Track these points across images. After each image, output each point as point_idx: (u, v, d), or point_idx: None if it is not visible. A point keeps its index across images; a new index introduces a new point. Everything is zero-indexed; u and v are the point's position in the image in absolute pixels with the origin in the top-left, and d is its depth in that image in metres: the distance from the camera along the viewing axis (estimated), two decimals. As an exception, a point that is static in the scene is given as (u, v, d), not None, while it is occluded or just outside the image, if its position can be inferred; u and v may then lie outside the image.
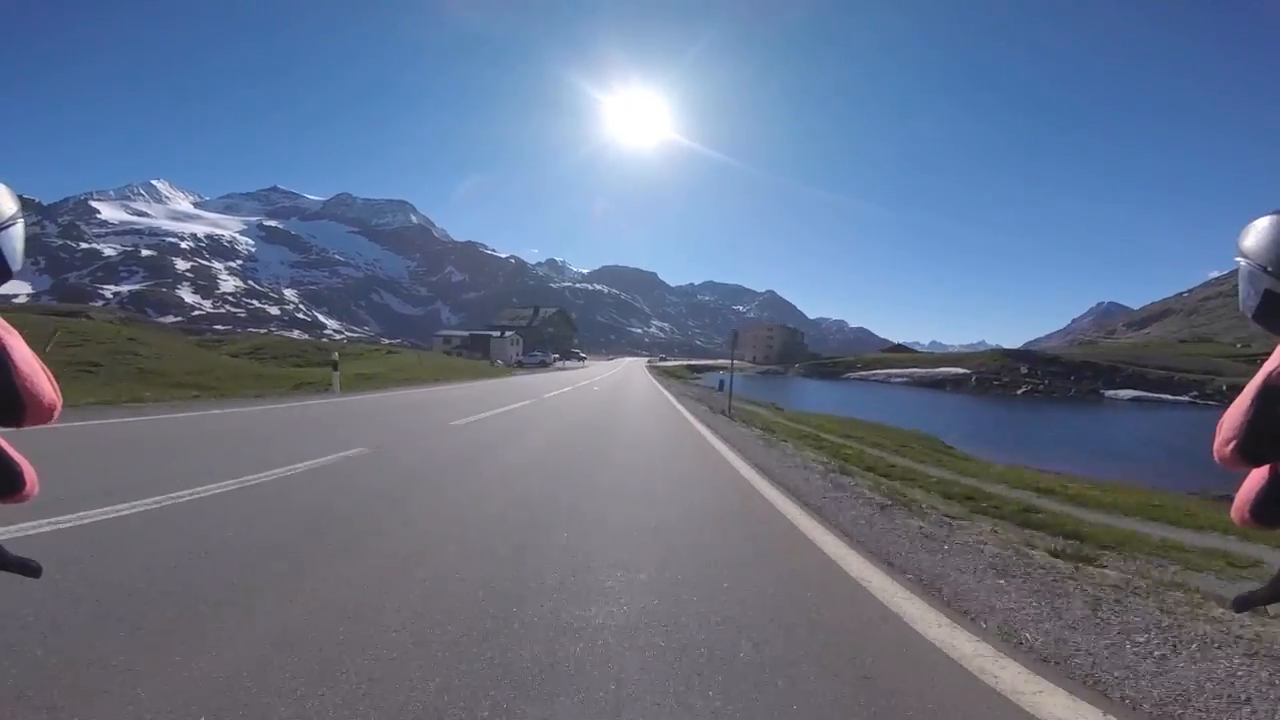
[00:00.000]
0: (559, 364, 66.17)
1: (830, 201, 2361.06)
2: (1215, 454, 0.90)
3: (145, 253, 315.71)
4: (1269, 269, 0.85)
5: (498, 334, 79.51)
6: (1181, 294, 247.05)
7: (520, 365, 58.53)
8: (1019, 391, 66.91)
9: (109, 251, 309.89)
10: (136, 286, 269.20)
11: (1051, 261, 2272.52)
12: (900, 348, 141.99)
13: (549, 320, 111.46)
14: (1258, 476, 0.91)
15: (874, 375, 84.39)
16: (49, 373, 0.91)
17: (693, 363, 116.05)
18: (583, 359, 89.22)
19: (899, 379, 78.98)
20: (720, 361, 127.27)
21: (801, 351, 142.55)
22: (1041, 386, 68.70)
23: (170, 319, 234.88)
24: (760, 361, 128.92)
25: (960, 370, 77.41)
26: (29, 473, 0.94)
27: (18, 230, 0.89)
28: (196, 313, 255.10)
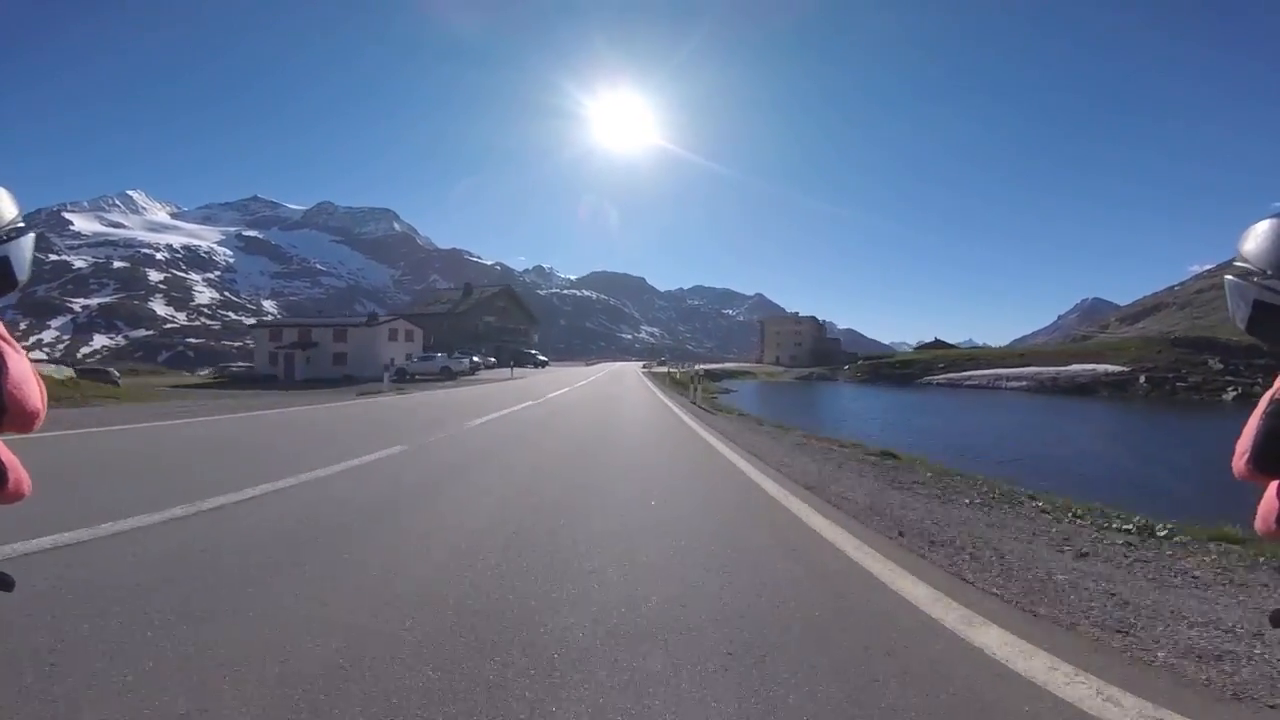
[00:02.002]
0: (481, 372, 43.62)
1: (815, 204, 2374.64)
2: (1232, 467, 0.92)
3: (117, 264, 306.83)
4: (1269, 272, 0.86)
5: (359, 322, 48.23)
6: (1173, 287, 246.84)
7: (405, 378, 35.76)
8: (1227, 396, 46.23)
9: (79, 263, 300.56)
10: (107, 299, 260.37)
11: (1035, 260, 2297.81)
12: (940, 344, 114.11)
13: (486, 304, 72.01)
14: (1277, 489, 0.93)
15: (969, 379, 62.16)
16: (42, 386, 0.92)
17: (709, 367, 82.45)
18: (542, 363, 61.66)
19: (1014, 383, 58.28)
20: (732, 365, 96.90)
21: (836, 351, 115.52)
22: (1258, 386, 43.78)
23: (142, 332, 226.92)
24: (788, 363, 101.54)
25: (1116, 368, 56.78)
26: (14, 471, 0.91)
27: (28, 241, 0.88)
28: (169, 325, 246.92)
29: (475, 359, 46.73)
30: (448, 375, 38.20)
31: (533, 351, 65.44)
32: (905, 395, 53.07)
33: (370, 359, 41.83)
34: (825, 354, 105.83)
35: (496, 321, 71.82)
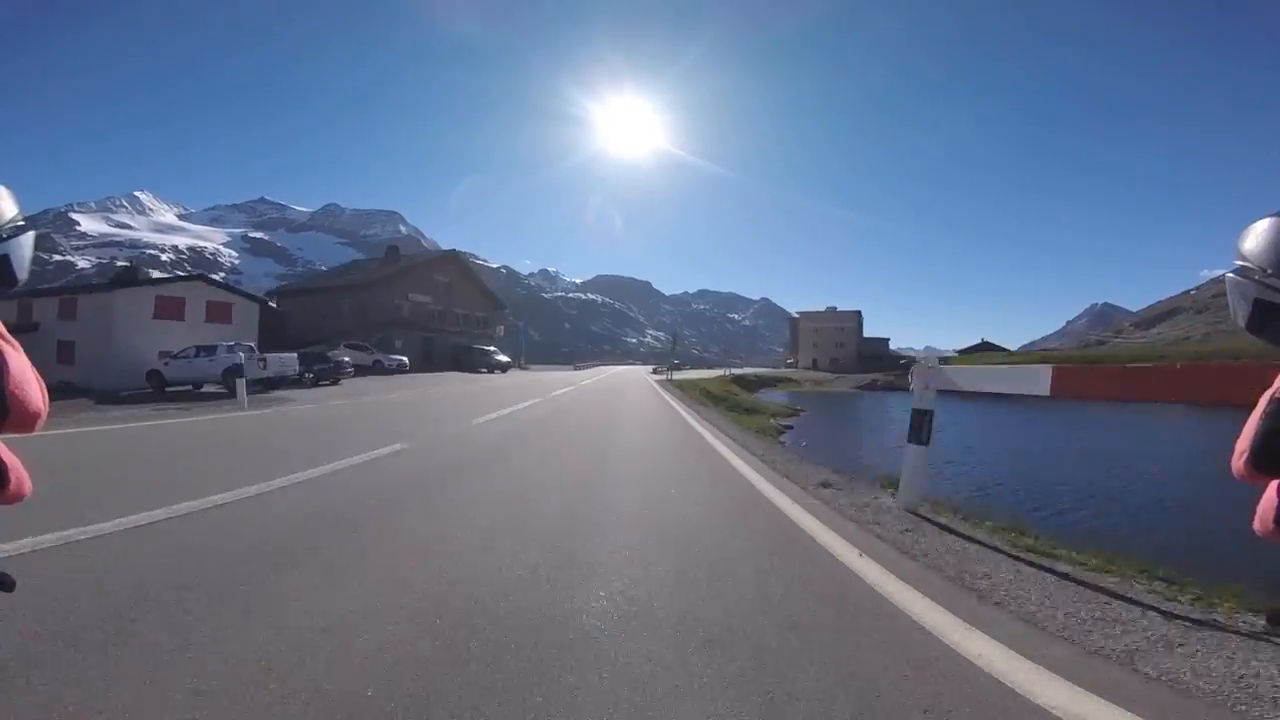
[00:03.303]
0: (339, 376, 25.30)
1: (823, 207, 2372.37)
2: (1231, 466, 0.93)
3: (121, 265, 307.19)
4: (1270, 271, 0.86)
5: (100, 286, 30.17)
6: (1188, 292, 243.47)
7: (163, 386, 21.81)
8: None
9: (82, 264, 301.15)
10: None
11: (1043, 264, 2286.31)
12: (990, 346, 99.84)
13: (414, 278, 47.50)
14: (1276, 488, 0.93)
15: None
16: (42, 385, 0.94)
17: (740, 372, 61.11)
18: (500, 365, 42.43)
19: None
20: (764, 371, 75.54)
21: (884, 352, 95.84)
22: None
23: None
24: (828, 366, 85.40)
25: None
26: (15, 472, 0.93)
27: (28, 239, 0.90)
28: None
29: (345, 359, 27.22)
30: (230, 386, 17.69)
31: (489, 350, 44.53)
32: (1047, 415, 34.92)
33: (113, 352, 24.85)
34: (873, 356, 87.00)
35: (433, 303, 47.69)
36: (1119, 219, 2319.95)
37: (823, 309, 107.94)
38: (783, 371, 78.30)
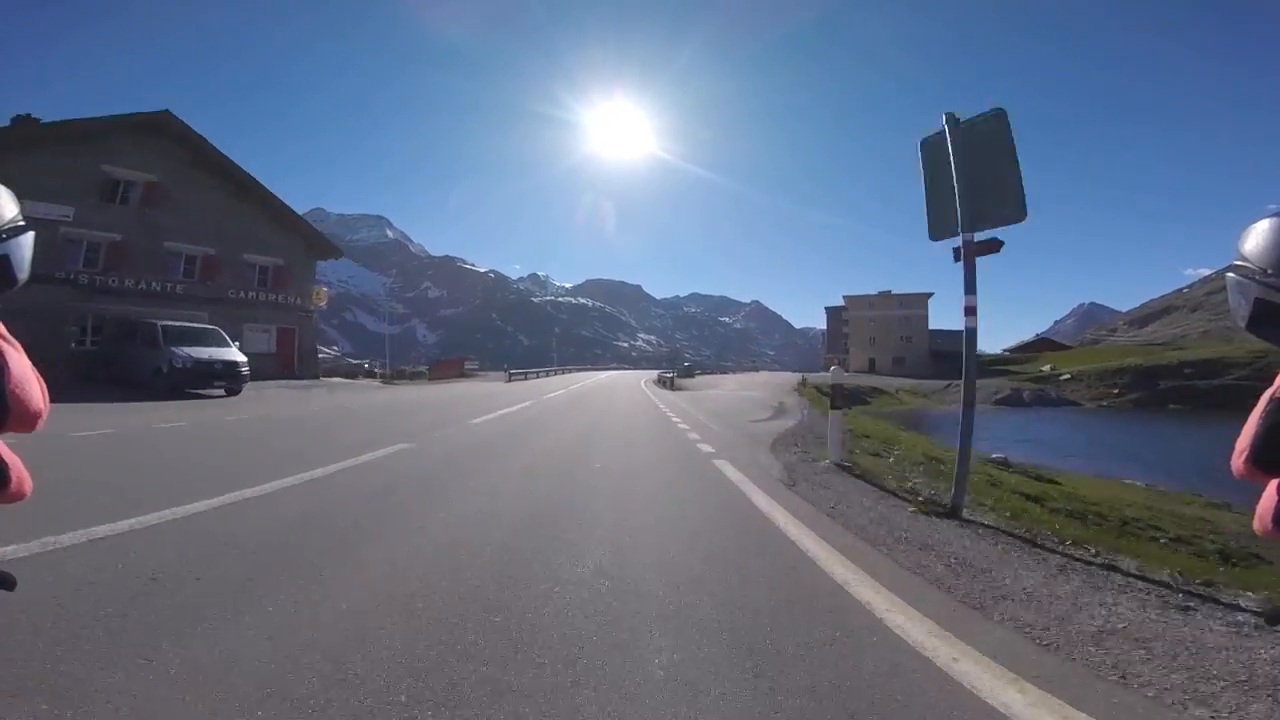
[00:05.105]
0: None
1: (808, 211, 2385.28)
2: (1231, 465, 0.93)
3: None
4: (1270, 271, 0.87)
5: None
6: (1181, 290, 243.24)
7: None
8: None
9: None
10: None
11: (1030, 266, 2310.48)
12: (1050, 343, 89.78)
13: (56, 153, 20.05)
14: (1276, 487, 0.93)
15: None
16: (43, 385, 0.95)
17: (814, 377, 38.59)
18: (227, 373, 16.75)
19: None
20: (792, 373, 53.75)
21: (954, 350, 75.54)
22: None
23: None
24: (890, 369, 70.21)
25: None
26: (16, 471, 0.93)
27: (28, 239, 0.90)
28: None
29: None
30: None
31: (188, 330, 18.25)
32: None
33: None
34: (950, 354, 58.75)
35: (90, 225, 21.70)
36: (1102, 220, 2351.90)
37: (875, 293, 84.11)
38: (850, 377, 47.29)
